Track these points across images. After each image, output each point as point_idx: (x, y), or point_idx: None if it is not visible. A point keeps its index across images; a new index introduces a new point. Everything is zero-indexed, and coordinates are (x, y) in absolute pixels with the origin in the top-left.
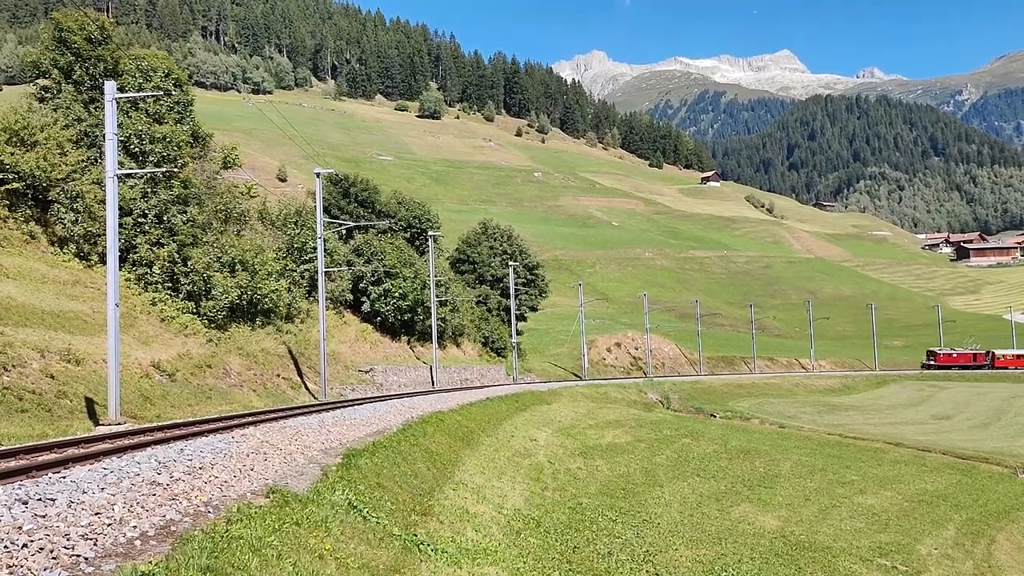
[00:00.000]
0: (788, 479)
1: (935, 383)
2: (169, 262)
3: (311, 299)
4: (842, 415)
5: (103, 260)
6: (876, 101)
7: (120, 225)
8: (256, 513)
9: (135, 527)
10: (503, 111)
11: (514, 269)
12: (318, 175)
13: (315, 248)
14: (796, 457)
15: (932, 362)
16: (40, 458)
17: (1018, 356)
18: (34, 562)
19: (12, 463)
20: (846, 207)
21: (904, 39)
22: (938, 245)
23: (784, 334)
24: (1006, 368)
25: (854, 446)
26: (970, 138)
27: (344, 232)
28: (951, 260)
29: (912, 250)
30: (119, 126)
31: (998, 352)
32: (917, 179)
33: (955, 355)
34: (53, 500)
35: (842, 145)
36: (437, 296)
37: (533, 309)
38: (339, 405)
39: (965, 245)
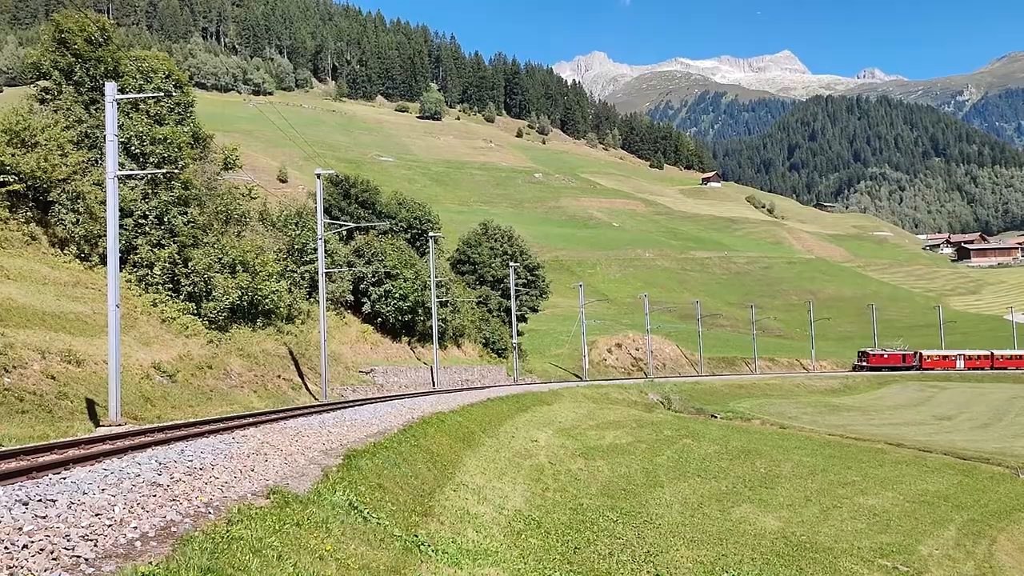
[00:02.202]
0: (789, 480)
1: (936, 383)
2: (170, 263)
3: (312, 300)
4: (843, 416)
5: (104, 261)
6: (877, 102)
7: (121, 226)
8: (256, 514)
9: (135, 528)
10: (504, 112)
11: (514, 270)
12: (319, 176)
13: (316, 249)
14: (797, 458)
15: (864, 363)
16: (41, 459)
17: (944, 357)
18: (34, 563)
19: (13, 464)
20: (847, 208)
21: (904, 40)
22: (939, 246)
23: (785, 335)
24: (932, 369)
25: (855, 447)
26: (971, 138)
27: (345, 233)
28: (952, 260)
29: (913, 251)
30: (120, 127)
31: (925, 353)
32: (918, 180)
33: (886, 356)
34: (54, 501)
35: (843, 146)
36: (438, 297)
37: (534, 310)
38: (340, 406)
39: (966, 245)
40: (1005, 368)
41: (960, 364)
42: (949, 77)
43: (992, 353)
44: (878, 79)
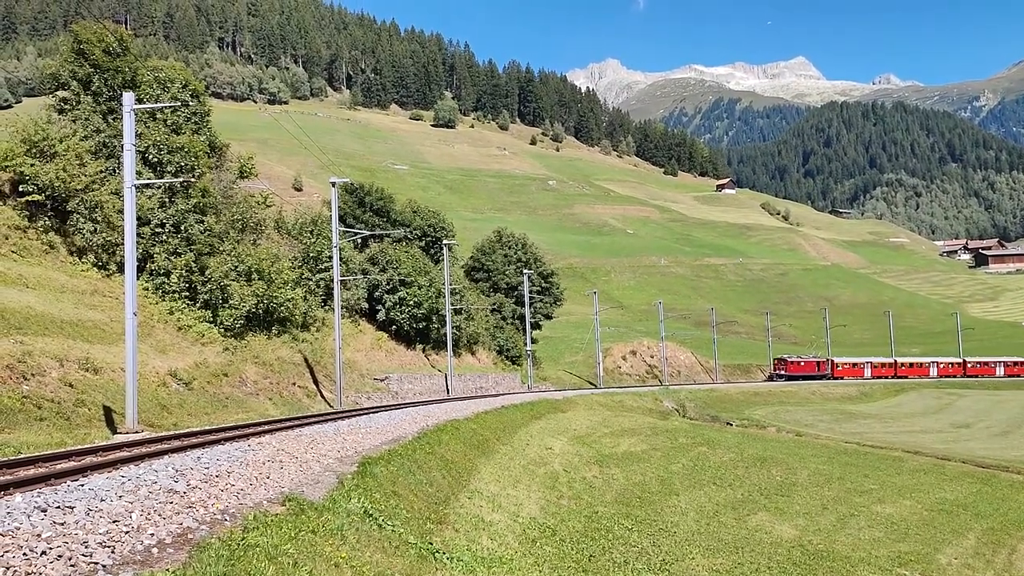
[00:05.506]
0: (805, 488)
1: (953, 391)
2: (186, 271)
3: (327, 308)
4: (860, 423)
5: (121, 270)
6: (892, 107)
7: (138, 235)
8: (272, 521)
9: (152, 535)
10: (517, 120)
11: (528, 277)
12: (333, 184)
13: (331, 257)
14: (813, 465)
15: (782, 371)
16: (59, 466)
17: (854, 365)
18: (53, 569)
19: (31, 471)
20: (862, 214)
21: (920, 45)
22: (956, 252)
23: (800, 342)
24: (843, 378)
25: (872, 454)
26: (988, 144)
27: (359, 241)
28: (969, 267)
29: (930, 257)
30: (137, 136)
31: (837, 361)
32: (934, 185)
33: (803, 363)
34: (72, 508)
35: (858, 152)
36: (452, 304)
37: (548, 317)
38: (354, 413)
39: (983, 252)
40: (907, 377)
41: (867, 373)
42: (966, 82)
43: (896, 361)
44: (894, 85)
